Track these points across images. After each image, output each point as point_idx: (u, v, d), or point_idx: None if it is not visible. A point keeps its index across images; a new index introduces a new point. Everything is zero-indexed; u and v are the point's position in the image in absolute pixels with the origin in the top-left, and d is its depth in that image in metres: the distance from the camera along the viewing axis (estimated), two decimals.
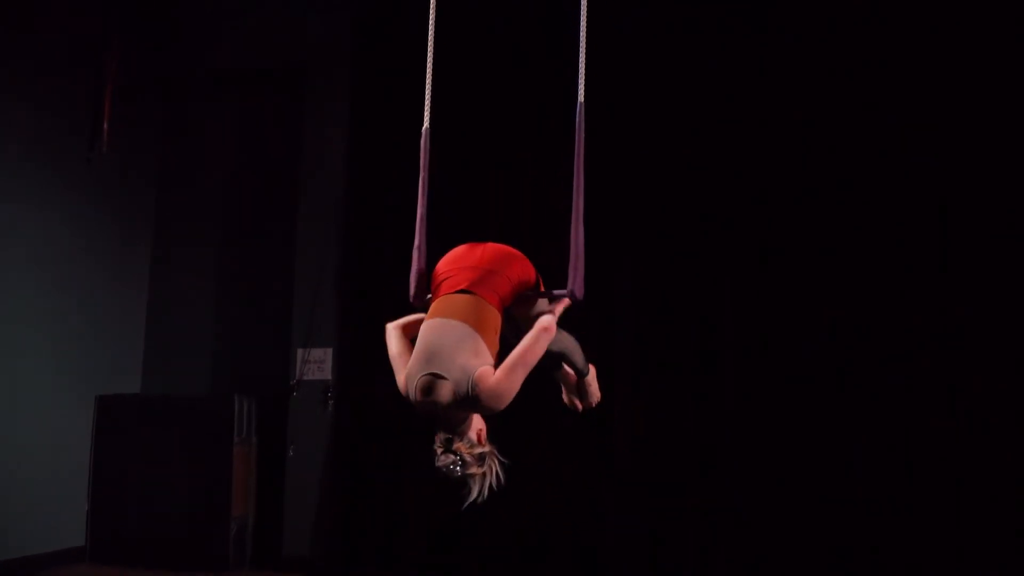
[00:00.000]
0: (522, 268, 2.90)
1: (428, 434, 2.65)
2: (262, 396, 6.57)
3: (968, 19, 5.23)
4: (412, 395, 2.64)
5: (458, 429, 2.66)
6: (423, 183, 3.07)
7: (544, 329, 2.69)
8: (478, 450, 2.68)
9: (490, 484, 2.69)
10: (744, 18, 5.65)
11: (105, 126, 6.54)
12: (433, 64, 3.16)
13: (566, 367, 3.19)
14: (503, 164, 6.03)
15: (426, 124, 3.14)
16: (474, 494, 2.66)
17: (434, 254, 3.01)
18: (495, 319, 2.75)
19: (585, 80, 2.92)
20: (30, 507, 5.98)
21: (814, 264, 5.37)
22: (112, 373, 6.75)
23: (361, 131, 6.51)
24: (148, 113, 7.19)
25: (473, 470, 2.66)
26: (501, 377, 2.59)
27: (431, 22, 3.18)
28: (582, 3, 2.95)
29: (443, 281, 2.85)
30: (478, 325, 2.68)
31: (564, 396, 3.37)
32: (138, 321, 7.07)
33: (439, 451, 2.65)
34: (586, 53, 2.93)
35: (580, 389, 3.27)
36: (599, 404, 3.31)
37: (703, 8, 5.74)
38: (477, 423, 2.74)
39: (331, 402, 6.36)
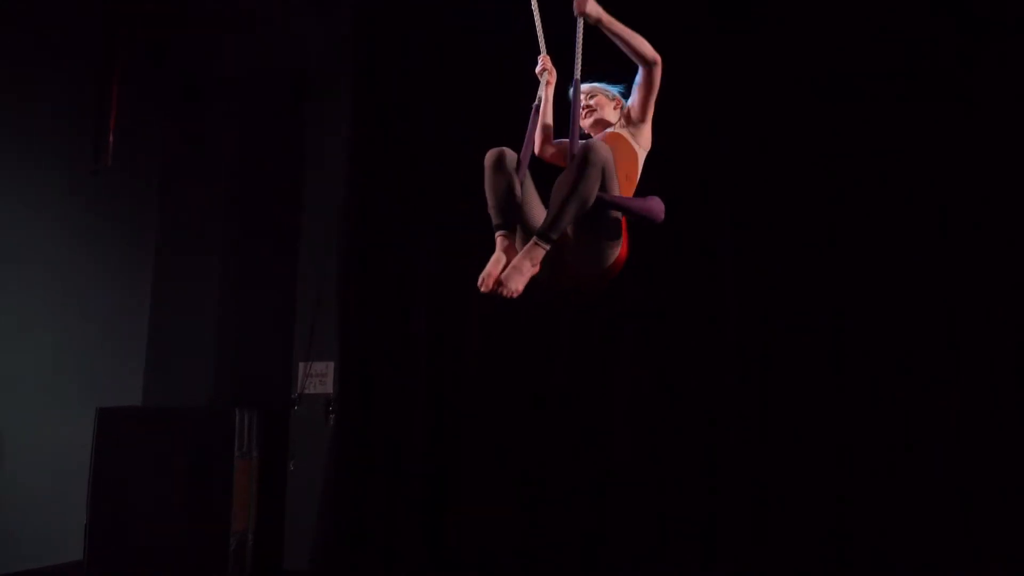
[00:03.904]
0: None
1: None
2: (263, 409, 6.52)
3: (968, 19, 5.24)
4: None
5: None
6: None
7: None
8: None
9: None
10: (739, 16, 5.65)
11: (111, 139, 6.55)
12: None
13: None
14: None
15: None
16: None
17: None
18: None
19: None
20: (28, 521, 5.93)
21: (814, 263, 5.35)
22: (113, 385, 6.71)
23: (363, 140, 6.47)
24: (151, 123, 7.17)
25: None
26: None
27: None
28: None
29: None
30: None
31: None
32: (140, 333, 7.05)
33: None
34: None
35: None
36: None
37: (702, 5, 5.72)
38: None
39: (332, 416, 6.33)
